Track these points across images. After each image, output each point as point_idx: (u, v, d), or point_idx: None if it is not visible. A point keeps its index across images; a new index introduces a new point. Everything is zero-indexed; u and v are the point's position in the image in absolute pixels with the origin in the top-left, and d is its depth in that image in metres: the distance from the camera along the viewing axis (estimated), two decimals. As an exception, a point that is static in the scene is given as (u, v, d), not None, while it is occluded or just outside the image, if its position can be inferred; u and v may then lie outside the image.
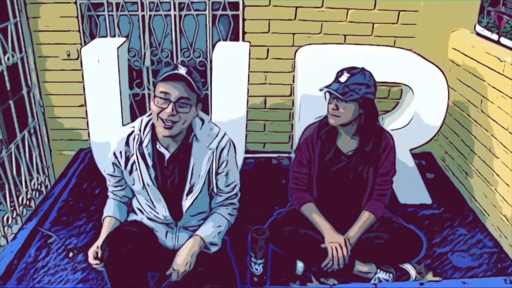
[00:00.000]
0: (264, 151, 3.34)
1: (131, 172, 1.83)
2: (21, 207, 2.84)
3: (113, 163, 1.86)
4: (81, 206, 2.68)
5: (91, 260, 1.77)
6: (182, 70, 1.67)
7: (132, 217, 1.97)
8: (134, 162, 1.80)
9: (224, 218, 1.91)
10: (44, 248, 2.33)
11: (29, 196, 2.97)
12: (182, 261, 1.77)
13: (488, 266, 2.25)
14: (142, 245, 1.76)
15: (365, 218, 2.09)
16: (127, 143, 1.82)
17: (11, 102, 2.81)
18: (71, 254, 2.28)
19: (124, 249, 1.70)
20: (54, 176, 3.35)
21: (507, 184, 2.36)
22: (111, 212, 1.93)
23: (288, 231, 2.10)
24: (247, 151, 2.82)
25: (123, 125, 2.52)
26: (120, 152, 1.83)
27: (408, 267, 2.13)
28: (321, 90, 1.98)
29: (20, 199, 2.84)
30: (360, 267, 2.10)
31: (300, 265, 2.14)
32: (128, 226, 1.89)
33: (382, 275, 2.08)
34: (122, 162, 1.83)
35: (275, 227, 2.12)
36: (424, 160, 3.19)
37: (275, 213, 2.30)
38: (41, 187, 3.18)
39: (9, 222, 2.68)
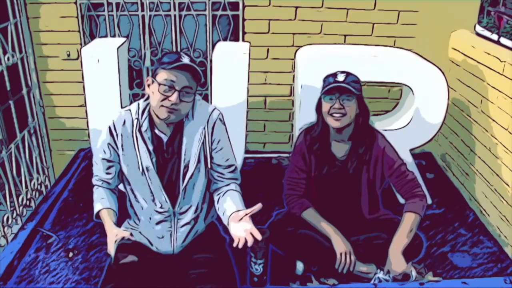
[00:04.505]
0: (264, 151, 3.34)
1: (127, 156, 1.78)
2: (21, 207, 2.84)
3: (109, 145, 1.78)
4: (81, 206, 2.67)
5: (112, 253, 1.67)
6: (186, 59, 1.66)
7: (125, 225, 1.92)
8: (133, 146, 1.76)
9: (238, 193, 1.87)
10: (44, 248, 2.33)
11: (29, 196, 2.97)
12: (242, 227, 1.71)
13: (488, 266, 2.25)
14: (144, 274, 1.75)
15: (409, 220, 2.04)
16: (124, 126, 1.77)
17: (11, 102, 2.82)
18: (71, 254, 2.28)
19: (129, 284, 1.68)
20: (54, 176, 3.35)
21: (507, 184, 2.36)
22: (106, 203, 1.83)
23: (288, 231, 2.10)
24: (247, 151, 2.82)
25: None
26: (117, 135, 1.77)
27: (408, 267, 2.13)
28: (328, 87, 1.95)
29: (20, 199, 2.84)
30: (360, 267, 2.09)
31: (300, 265, 2.14)
32: (127, 254, 1.78)
33: (382, 275, 2.08)
34: (119, 144, 1.78)
35: (275, 227, 2.11)
36: (424, 160, 3.19)
37: (275, 214, 2.30)
38: (41, 187, 3.18)
39: (9, 222, 2.68)
